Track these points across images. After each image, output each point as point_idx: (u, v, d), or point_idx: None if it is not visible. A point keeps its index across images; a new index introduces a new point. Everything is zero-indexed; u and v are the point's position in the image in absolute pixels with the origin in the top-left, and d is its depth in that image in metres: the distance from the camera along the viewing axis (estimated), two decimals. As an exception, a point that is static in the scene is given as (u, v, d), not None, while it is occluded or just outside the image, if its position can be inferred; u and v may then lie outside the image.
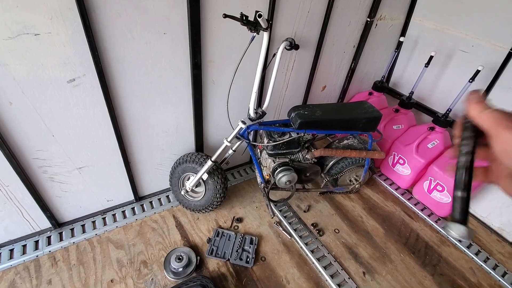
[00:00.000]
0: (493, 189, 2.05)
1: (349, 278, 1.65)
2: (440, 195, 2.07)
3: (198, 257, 1.62)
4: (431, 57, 2.09)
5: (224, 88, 1.76)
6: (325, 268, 1.67)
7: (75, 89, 1.31)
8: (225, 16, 1.12)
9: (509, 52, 1.83)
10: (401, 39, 2.31)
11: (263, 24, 1.20)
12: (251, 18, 1.27)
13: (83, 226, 1.72)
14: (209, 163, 1.62)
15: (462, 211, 0.36)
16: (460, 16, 2.07)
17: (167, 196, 1.98)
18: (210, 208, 1.82)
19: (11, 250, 1.56)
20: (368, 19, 2.11)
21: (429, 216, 2.13)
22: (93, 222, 1.75)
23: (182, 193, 1.75)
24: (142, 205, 1.89)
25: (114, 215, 1.81)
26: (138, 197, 1.91)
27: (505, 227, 2.03)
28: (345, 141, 1.96)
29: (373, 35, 2.25)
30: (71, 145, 1.46)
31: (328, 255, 1.75)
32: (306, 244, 1.79)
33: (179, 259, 1.56)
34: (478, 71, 1.88)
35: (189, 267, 1.57)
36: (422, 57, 2.31)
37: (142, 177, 1.84)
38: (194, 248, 1.68)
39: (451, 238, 1.97)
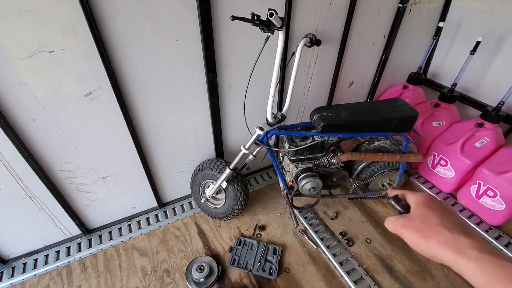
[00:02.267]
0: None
1: (382, 295, 1.50)
2: (491, 201, 1.81)
3: (220, 267, 1.58)
4: (478, 43, 1.81)
5: (242, 92, 1.68)
6: (355, 283, 1.54)
7: (92, 102, 1.32)
8: (233, 18, 1.04)
9: None
10: (440, 24, 2.05)
11: (276, 23, 1.10)
12: (264, 17, 1.17)
13: (110, 233, 1.77)
14: (227, 171, 1.56)
15: None
16: (515, -8, 1.77)
17: (190, 203, 1.97)
18: (231, 216, 1.77)
19: (46, 256, 1.65)
20: (400, 5, 1.89)
21: (477, 224, 1.87)
22: (119, 229, 1.79)
23: (203, 200, 1.72)
24: (165, 212, 1.90)
25: (139, 221, 1.84)
26: (162, 204, 1.92)
27: None
28: (376, 143, 1.78)
29: (407, 23, 2.02)
30: (94, 156, 1.49)
31: (358, 268, 1.61)
32: (334, 255, 1.67)
33: (201, 269, 1.53)
34: (539, 56, 1.58)
35: (210, 277, 1.54)
36: (466, 43, 2.03)
37: (164, 184, 1.85)
38: (216, 257, 1.64)
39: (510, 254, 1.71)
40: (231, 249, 1.68)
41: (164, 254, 1.67)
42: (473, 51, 1.85)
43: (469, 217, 1.91)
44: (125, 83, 1.34)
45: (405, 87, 2.32)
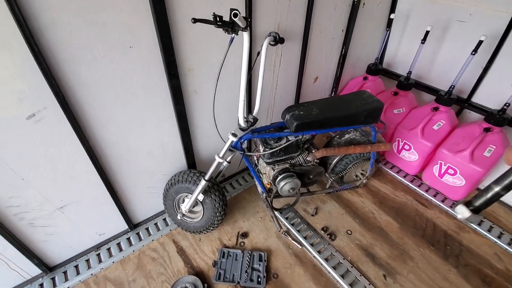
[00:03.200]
0: (505, 164, 1.93)
1: (369, 284, 1.53)
2: (452, 178, 1.95)
3: (206, 285, 1.49)
4: (427, 32, 1.93)
5: (209, 97, 1.60)
6: (342, 276, 1.55)
7: (38, 125, 1.14)
8: (195, 20, 0.96)
9: (513, 16, 1.68)
10: (392, 16, 2.15)
11: (241, 23, 1.04)
12: (226, 18, 1.10)
13: (76, 267, 1.58)
14: (202, 182, 1.47)
15: (485, 203, 0.35)
16: (454, -17, 1.90)
17: (164, 219, 1.84)
18: (211, 228, 1.68)
19: (0, 307, 1.42)
20: None
21: (443, 201, 2.01)
22: (87, 260, 1.61)
23: (179, 217, 1.61)
24: (138, 234, 1.75)
25: (108, 249, 1.67)
26: (133, 225, 1.77)
27: (525, 203, 1.93)
28: (347, 136, 1.82)
29: (362, 16, 2.09)
30: (46, 186, 1.30)
31: (344, 261, 1.63)
32: (319, 252, 1.67)
33: (185, 290, 1.44)
34: (480, 42, 1.73)
35: (196, 297, 1.45)
36: (416, 32, 2.15)
37: (134, 203, 1.70)
38: (200, 274, 1.55)
39: (474, 226, 1.86)
40: (215, 263, 1.60)
41: (142, 281, 1.53)
42: (424, 40, 1.97)
43: (434, 196, 2.05)
44: (75, 100, 1.18)
45: (365, 78, 2.41)
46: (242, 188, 2.07)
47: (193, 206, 1.63)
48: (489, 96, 1.93)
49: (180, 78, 1.43)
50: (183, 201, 1.67)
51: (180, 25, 1.29)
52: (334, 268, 1.59)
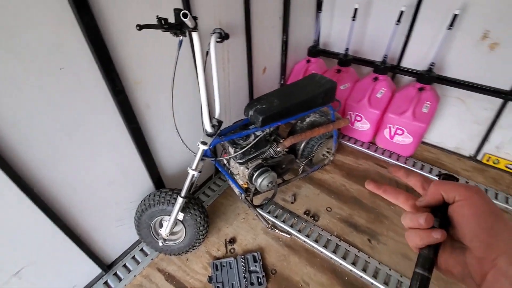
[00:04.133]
0: (441, 115, 2.23)
1: (359, 251, 1.63)
2: (402, 138, 2.17)
3: (206, 304, 1.41)
4: (356, 10, 2.07)
5: (163, 109, 1.47)
6: (334, 252, 1.62)
7: (-42, 185, 0.91)
8: (140, 27, 0.85)
9: (422, -14, 1.90)
10: (320, -2, 2.25)
11: (190, 23, 0.96)
12: (172, 20, 1.01)
13: (50, 334, 1.34)
14: (180, 200, 1.36)
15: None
16: (368, -39, 2.06)
17: (141, 250, 1.67)
18: (197, 244, 1.59)
19: None
20: (286, -14, 1.97)
21: (397, 159, 2.23)
22: (62, 322, 1.38)
23: (160, 243, 1.47)
24: (115, 274, 1.56)
25: (85, 301, 1.45)
26: (107, 266, 1.57)
27: (460, 145, 2.25)
28: (307, 119, 1.87)
29: (295, 2, 2.13)
30: (-11, 254, 1.06)
31: (331, 238, 1.70)
32: (307, 236, 1.71)
33: (187, 317, 1.34)
34: (402, 12, 1.92)
35: (200, 319, 1.36)
36: (345, 11, 2.29)
37: (103, 243, 1.50)
38: (197, 295, 1.46)
39: (427, 174, 2.11)
40: (210, 279, 1.52)
41: (136, 323, 1.38)
42: (354, 17, 2.11)
43: (390, 156, 2.26)
44: (6, 143, 0.97)
45: (308, 61, 2.50)
46: (217, 194, 2.00)
47: (173, 228, 1.51)
48: (415, 59, 2.17)
49: (128, 93, 1.28)
50: (160, 225, 1.54)
51: (115, 36, 1.14)
52: (325, 246, 1.65)
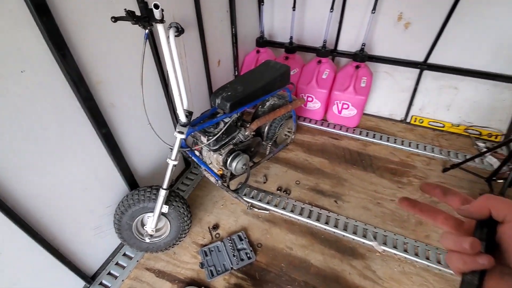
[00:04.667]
0: (375, 88, 2.60)
1: (329, 212, 1.85)
2: (348, 111, 2.47)
3: (203, 287, 1.47)
4: (295, 1, 2.28)
5: (128, 107, 1.46)
6: (309, 217, 1.82)
7: None
8: (115, 19, 0.87)
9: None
10: (261, -9, 2.40)
11: (158, 15, 1.00)
12: (137, 13, 1.03)
13: None
14: (162, 193, 1.38)
15: None
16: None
17: (124, 254, 1.63)
18: (183, 235, 1.62)
19: None
20: (229, -19, 2.07)
21: (347, 131, 2.54)
22: None
23: (147, 240, 1.47)
24: (101, 283, 1.51)
25: (73, 317, 1.38)
26: (90, 278, 1.50)
27: (392, 112, 2.66)
28: (267, 103, 2.01)
29: (238, -5, 2.25)
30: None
31: (304, 206, 1.89)
32: (283, 208, 1.87)
33: (187, 303, 1.38)
34: (334, 0, 2.18)
35: (200, 303, 1.42)
36: (283, 3, 2.48)
37: (82, 254, 1.43)
38: (193, 282, 1.51)
39: (371, 140, 2.44)
40: (202, 265, 1.57)
41: (135, 323, 1.37)
42: (294, 7, 2.32)
43: (340, 129, 2.56)
44: (-33, 157, 0.89)
45: (258, 52, 2.65)
46: (191, 187, 2.03)
47: (158, 222, 1.52)
48: (349, 42, 2.48)
49: (92, 94, 1.25)
50: (142, 224, 1.53)
51: (73, 34, 1.11)
52: (300, 214, 1.84)
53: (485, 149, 2.09)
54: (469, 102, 2.39)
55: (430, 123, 2.56)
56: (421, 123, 2.58)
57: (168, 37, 1.38)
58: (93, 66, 1.23)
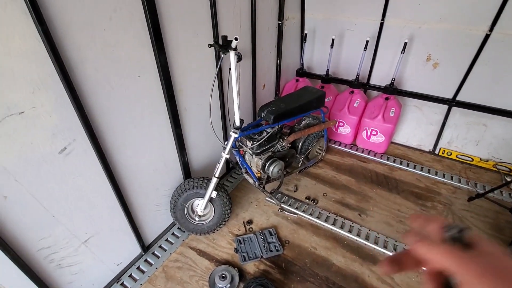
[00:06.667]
0: (405, 120, 2.81)
1: (352, 223, 2.03)
2: (376, 138, 2.70)
3: (236, 268, 1.71)
4: (333, 40, 2.67)
5: (194, 112, 1.86)
6: (333, 225, 2.01)
7: (68, 158, 1.22)
8: (210, 45, 1.28)
9: (381, 22, 2.54)
10: (306, 31, 2.84)
11: (234, 45, 1.41)
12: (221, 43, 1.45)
13: (104, 302, 1.55)
14: (214, 180, 1.71)
15: None
16: (338, 3, 2.70)
17: (173, 234, 1.95)
18: (223, 223, 1.90)
19: None
20: (280, 22, 2.54)
21: (375, 155, 2.73)
22: (113, 293, 1.60)
23: (196, 219, 1.78)
24: (153, 253, 1.82)
25: (130, 275, 1.69)
26: (146, 247, 1.82)
27: (421, 143, 2.82)
28: (304, 122, 2.33)
29: (285, 33, 2.70)
30: (74, 219, 1.33)
31: (330, 215, 2.09)
32: (310, 214, 2.09)
33: (223, 277, 1.62)
34: (367, 41, 2.53)
35: (234, 280, 1.65)
36: (323, 42, 2.90)
37: (145, 224, 1.77)
38: (228, 263, 1.75)
39: (398, 166, 2.61)
40: (236, 250, 1.82)
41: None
42: (332, 45, 2.71)
43: (368, 153, 2.76)
44: (98, 128, 1.30)
45: (297, 80, 3.04)
46: (231, 188, 2.34)
47: (207, 205, 1.83)
48: (380, 76, 2.78)
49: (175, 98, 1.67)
50: (191, 208, 1.85)
51: (171, 53, 1.56)
52: (325, 221, 2.03)
53: (510, 179, 2.16)
54: (497, 139, 2.49)
55: (458, 156, 2.67)
56: (449, 155, 2.70)
57: (231, 63, 1.80)
58: (178, 77, 1.66)
